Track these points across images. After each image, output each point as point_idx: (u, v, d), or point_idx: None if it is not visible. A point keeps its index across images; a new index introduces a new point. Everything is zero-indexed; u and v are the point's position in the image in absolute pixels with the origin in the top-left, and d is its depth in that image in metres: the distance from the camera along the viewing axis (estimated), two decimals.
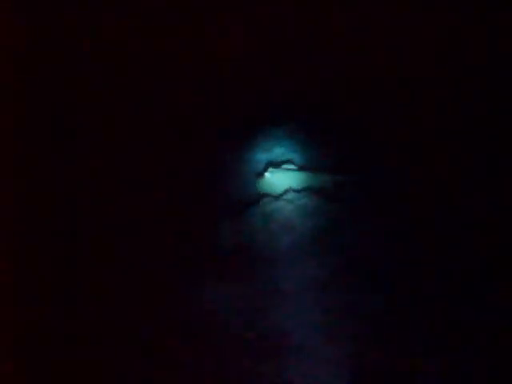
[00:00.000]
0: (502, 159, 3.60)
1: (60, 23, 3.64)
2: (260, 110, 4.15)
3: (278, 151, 4.30)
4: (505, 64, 3.65)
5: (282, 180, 4.21)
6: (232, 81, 3.99)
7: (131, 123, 3.85)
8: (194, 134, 3.99)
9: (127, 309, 3.35)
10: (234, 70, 3.98)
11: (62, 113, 3.64)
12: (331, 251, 3.79)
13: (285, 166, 4.28)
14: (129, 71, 3.86)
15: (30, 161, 3.44)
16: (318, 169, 4.19)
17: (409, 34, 3.79)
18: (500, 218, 3.47)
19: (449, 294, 3.41)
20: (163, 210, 3.74)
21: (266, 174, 4.25)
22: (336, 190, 4.08)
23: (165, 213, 3.75)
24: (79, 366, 3.07)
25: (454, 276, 3.45)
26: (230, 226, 3.96)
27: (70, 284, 3.32)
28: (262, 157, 4.27)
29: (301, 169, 4.26)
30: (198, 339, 3.38)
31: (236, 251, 3.85)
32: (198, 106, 3.99)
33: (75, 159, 3.65)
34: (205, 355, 3.29)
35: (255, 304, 3.60)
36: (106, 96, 3.78)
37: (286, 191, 4.20)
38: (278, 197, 4.17)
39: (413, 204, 3.70)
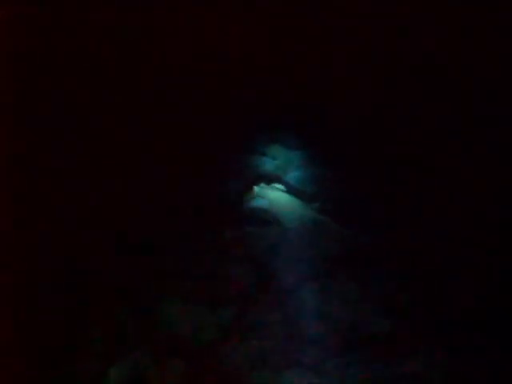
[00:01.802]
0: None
1: (60, 23, 3.59)
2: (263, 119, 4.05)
3: (271, 166, 4.12)
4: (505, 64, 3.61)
5: (269, 198, 3.95)
6: (237, 88, 3.92)
7: (131, 123, 3.80)
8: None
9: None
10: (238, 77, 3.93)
11: (62, 113, 3.60)
12: None
13: (276, 185, 4.08)
14: (129, 71, 3.80)
15: (30, 160, 3.39)
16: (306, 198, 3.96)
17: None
18: None
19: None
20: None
21: (256, 188, 4.03)
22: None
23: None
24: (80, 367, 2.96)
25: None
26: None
27: (73, 288, 3.25)
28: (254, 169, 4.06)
29: (289, 192, 4.03)
30: None
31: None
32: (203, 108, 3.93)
33: (76, 158, 3.60)
34: None
35: None
36: (107, 95, 3.73)
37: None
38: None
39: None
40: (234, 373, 2.92)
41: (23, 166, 3.31)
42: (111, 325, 3.12)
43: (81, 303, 3.19)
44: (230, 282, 3.38)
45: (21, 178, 3.26)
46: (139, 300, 3.26)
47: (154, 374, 2.91)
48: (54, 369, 2.91)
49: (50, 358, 2.94)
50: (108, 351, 3.01)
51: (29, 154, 3.36)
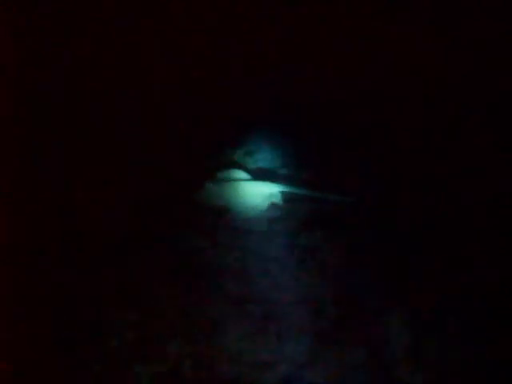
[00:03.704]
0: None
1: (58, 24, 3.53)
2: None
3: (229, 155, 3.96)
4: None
5: (225, 193, 3.69)
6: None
7: (126, 123, 3.79)
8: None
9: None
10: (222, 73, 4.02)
11: (62, 114, 3.56)
12: None
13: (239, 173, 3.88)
14: (125, 70, 3.79)
15: (29, 158, 3.35)
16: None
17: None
18: None
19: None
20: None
21: (208, 185, 3.77)
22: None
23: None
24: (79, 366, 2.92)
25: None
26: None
27: (71, 285, 3.20)
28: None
29: (254, 178, 3.85)
30: None
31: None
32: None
33: (75, 157, 3.59)
34: None
35: None
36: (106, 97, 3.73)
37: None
38: None
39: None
40: None
41: (22, 164, 3.22)
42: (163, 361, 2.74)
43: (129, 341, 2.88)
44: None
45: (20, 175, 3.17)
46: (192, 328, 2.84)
47: None
48: None
49: None
50: None
51: (28, 153, 3.29)
